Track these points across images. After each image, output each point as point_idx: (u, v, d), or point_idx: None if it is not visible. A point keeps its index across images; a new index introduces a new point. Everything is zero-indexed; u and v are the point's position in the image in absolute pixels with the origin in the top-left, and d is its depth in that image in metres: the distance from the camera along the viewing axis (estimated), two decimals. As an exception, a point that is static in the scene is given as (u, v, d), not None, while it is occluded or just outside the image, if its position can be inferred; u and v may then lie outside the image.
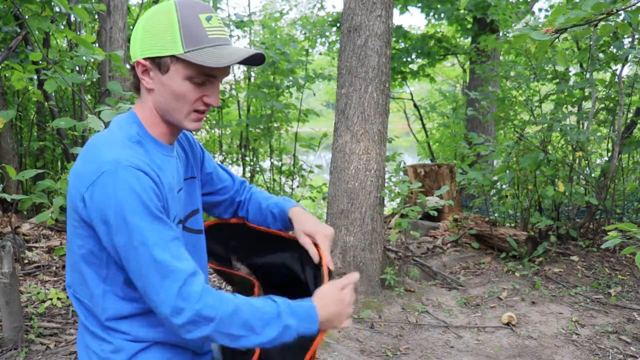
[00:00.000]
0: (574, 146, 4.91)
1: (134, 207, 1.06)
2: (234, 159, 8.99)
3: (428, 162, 11.24)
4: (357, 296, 3.77)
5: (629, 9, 2.13)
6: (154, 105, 1.19)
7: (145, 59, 1.14)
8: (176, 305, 1.06)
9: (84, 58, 3.47)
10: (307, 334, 1.15)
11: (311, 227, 1.37)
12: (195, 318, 1.07)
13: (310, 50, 8.92)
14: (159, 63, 1.13)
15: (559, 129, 4.66)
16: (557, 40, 2.12)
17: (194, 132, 8.53)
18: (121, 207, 1.06)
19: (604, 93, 5.37)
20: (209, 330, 1.08)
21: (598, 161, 6.25)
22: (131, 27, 7.69)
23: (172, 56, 1.12)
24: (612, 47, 5.04)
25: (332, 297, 1.20)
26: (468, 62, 10.75)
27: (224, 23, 1.18)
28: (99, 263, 1.16)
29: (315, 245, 1.35)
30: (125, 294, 1.19)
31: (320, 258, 1.31)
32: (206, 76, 1.15)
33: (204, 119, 1.23)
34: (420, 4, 9.39)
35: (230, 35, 8.59)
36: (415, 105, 12.41)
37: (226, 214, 1.56)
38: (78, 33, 5.53)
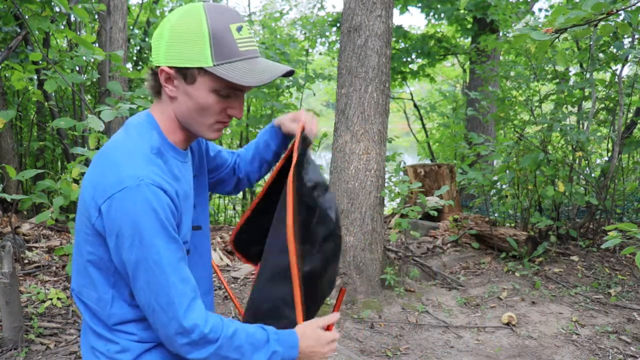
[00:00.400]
0: (574, 146, 4.91)
1: (152, 226, 1.06)
2: (234, 159, 8.99)
3: (428, 162, 11.24)
4: (356, 296, 3.78)
5: (629, 9, 2.13)
6: (174, 113, 1.17)
7: (170, 67, 1.09)
8: (183, 326, 1.09)
9: (84, 58, 3.47)
10: None
11: (293, 114, 1.46)
12: (201, 339, 1.10)
13: (310, 50, 8.92)
14: (185, 73, 1.09)
15: (559, 129, 4.66)
16: (557, 40, 2.12)
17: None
18: (139, 224, 1.05)
19: (604, 93, 5.37)
20: (208, 353, 1.12)
21: (598, 161, 6.25)
22: (131, 27, 7.70)
23: (200, 68, 1.08)
24: (612, 47, 5.04)
25: (312, 335, 1.28)
26: (468, 62, 10.75)
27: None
28: (108, 269, 1.16)
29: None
30: (133, 300, 1.19)
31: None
32: (233, 89, 1.12)
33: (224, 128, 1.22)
34: (420, 4, 9.39)
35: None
36: (415, 105, 12.41)
37: (229, 187, 1.59)
38: (78, 33, 5.53)
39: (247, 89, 1.15)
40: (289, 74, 1.15)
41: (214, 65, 1.07)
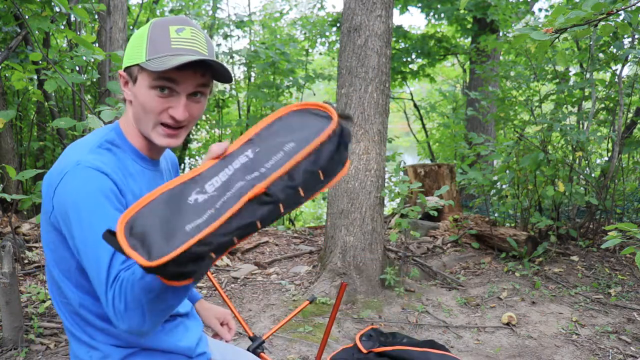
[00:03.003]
0: (574, 146, 4.90)
1: (92, 203, 1.06)
2: (234, 159, 8.98)
3: (428, 162, 11.24)
4: (356, 296, 3.78)
5: (629, 9, 2.13)
6: (132, 116, 1.21)
7: (124, 70, 1.18)
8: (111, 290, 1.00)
9: (84, 58, 3.47)
10: None
11: (220, 312, 1.59)
12: (116, 285, 1.00)
13: (310, 50, 8.92)
14: (130, 73, 1.17)
15: (559, 129, 4.65)
16: (557, 40, 2.12)
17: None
18: (78, 202, 1.06)
19: (604, 93, 5.37)
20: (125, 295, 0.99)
21: (598, 161, 6.25)
22: (131, 27, 7.69)
23: (137, 65, 1.14)
24: (612, 47, 5.03)
25: None
26: (468, 62, 10.75)
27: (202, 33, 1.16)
28: (69, 269, 1.16)
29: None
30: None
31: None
32: (166, 81, 1.11)
33: (178, 135, 1.19)
34: (420, 4, 9.39)
35: (230, 36, 8.58)
36: (415, 105, 12.41)
37: None
38: (78, 33, 5.53)
39: (184, 89, 1.13)
40: (220, 70, 1.13)
41: (146, 61, 1.11)
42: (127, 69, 1.17)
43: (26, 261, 4.05)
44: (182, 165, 8.99)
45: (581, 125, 5.34)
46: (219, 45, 8.99)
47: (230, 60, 8.48)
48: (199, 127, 9.00)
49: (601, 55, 5.22)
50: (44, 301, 3.42)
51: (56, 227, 1.13)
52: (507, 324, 3.48)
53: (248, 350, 1.59)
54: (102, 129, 1.24)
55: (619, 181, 5.64)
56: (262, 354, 1.59)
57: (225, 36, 8.54)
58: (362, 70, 3.84)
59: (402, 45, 10.26)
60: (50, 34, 5.66)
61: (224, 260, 4.64)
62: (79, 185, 1.07)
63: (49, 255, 1.19)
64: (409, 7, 9.56)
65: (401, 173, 5.23)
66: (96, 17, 5.58)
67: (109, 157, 1.15)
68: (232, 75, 1.21)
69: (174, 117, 1.14)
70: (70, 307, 1.20)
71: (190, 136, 8.83)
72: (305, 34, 9.25)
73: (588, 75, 5.09)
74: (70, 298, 1.19)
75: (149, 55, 1.12)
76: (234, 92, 8.52)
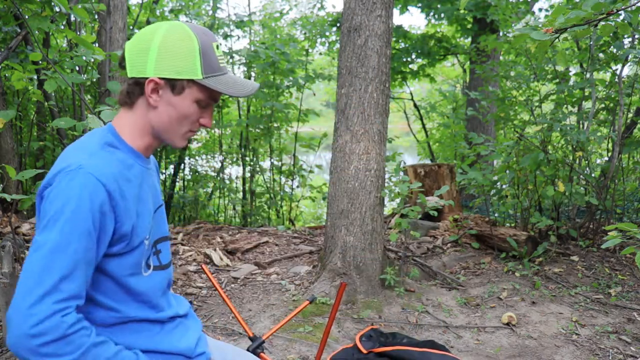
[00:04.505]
0: (574, 146, 4.90)
1: (75, 212, 1.06)
2: (234, 159, 8.99)
3: (428, 162, 11.24)
4: (356, 296, 3.78)
5: (629, 9, 2.13)
6: (149, 121, 1.22)
7: (160, 78, 1.17)
8: (43, 325, 1.01)
9: (84, 58, 3.47)
10: None
11: None
12: (61, 340, 1.02)
13: (310, 50, 8.92)
14: (174, 84, 1.18)
15: (559, 129, 4.65)
16: (557, 40, 2.12)
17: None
18: (63, 205, 1.06)
19: (604, 93, 5.37)
20: (71, 358, 1.03)
21: (598, 161, 6.25)
22: (131, 27, 7.69)
23: (190, 80, 1.18)
24: (612, 47, 5.03)
25: None
26: (468, 62, 10.75)
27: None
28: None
29: None
30: (103, 303, 1.19)
31: None
32: (212, 101, 1.23)
33: None
34: (420, 4, 9.39)
35: (230, 36, 8.59)
36: (415, 105, 12.41)
37: None
38: (78, 33, 5.53)
39: (217, 101, 1.26)
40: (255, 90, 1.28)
41: (203, 78, 1.18)
42: (167, 79, 1.17)
43: (26, 261, 4.04)
44: (183, 165, 8.99)
45: (581, 125, 5.34)
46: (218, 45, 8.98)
47: (230, 60, 8.48)
48: (199, 127, 8.99)
49: (601, 55, 5.22)
50: (44, 301, 3.42)
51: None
52: (507, 324, 3.48)
53: (248, 350, 1.59)
54: (97, 132, 1.24)
55: (619, 181, 5.64)
56: (262, 354, 1.59)
57: (225, 36, 8.54)
58: (362, 70, 3.84)
59: (402, 45, 10.27)
60: (50, 34, 5.66)
61: (224, 260, 4.64)
62: (74, 188, 1.07)
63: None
64: (409, 7, 9.56)
65: (401, 173, 5.23)
66: (96, 17, 5.58)
67: (110, 160, 1.16)
68: None
69: (206, 125, 1.25)
70: None
71: (190, 136, 8.82)
72: (305, 34, 9.25)
73: (588, 75, 5.09)
74: None
75: (205, 72, 1.18)
76: (233, 92, 8.51)
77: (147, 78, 1.18)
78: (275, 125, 8.30)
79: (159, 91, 1.19)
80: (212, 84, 1.18)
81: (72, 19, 5.69)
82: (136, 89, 1.21)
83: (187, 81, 1.18)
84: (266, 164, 8.86)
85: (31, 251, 1.06)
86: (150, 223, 1.26)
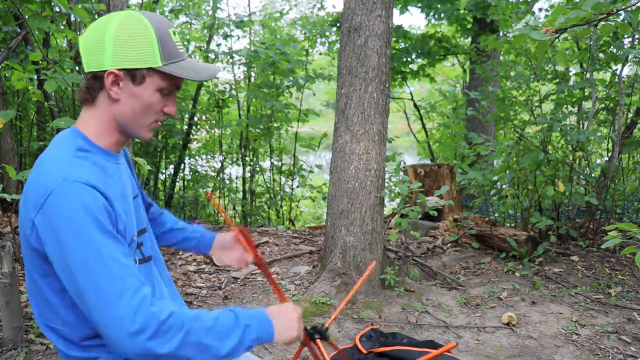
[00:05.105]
0: (574, 146, 4.90)
1: (87, 223, 1.04)
2: (234, 159, 8.99)
3: (428, 162, 11.24)
4: (356, 296, 3.78)
5: (629, 9, 2.13)
6: (113, 115, 1.19)
7: (119, 69, 1.14)
8: (137, 320, 1.02)
9: (84, 58, 3.46)
10: (263, 339, 1.17)
11: (227, 238, 1.61)
12: (162, 329, 1.04)
13: (310, 50, 8.92)
14: (134, 74, 1.15)
15: (559, 129, 4.65)
16: (557, 40, 2.12)
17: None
18: (73, 224, 1.03)
19: (604, 93, 5.37)
20: (177, 342, 1.05)
21: (598, 161, 6.25)
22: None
23: (150, 68, 1.15)
24: (612, 47, 5.03)
25: (281, 311, 1.22)
26: (468, 62, 10.75)
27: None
28: (63, 290, 1.13)
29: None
30: None
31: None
32: (174, 88, 1.21)
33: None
34: (420, 4, 9.39)
35: (230, 36, 8.59)
36: (415, 105, 12.41)
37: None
38: (78, 33, 5.53)
39: (180, 88, 1.25)
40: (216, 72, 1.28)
41: (164, 65, 1.16)
42: (127, 69, 1.14)
43: (26, 261, 4.04)
44: (183, 165, 8.99)
45: (581, 125, 5.33)
46: (218, 45, 8.99)
47: (230, 60, 8.48)
48: (199, 127, 9.00)
49: (601, 55, 5.22)
50: (44, 301, 3.42)
51: (37, 250, 1.10)
52: (507, 324, 3.48)
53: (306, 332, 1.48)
54: (63, 139, 1.19)
55: (619, 181, 5.64)
56: (317, 339, 1.48)
57: (225, 36, 8.53)
58: (362, 70, 3.84)
59: (402, 45, 10.26)
60: (50, 34, 5.66)
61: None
62: (71, 201, 1.04)
63: (37, 276, 1.15)
64: (409, 7, 9.55)
65: (401, 173, 5.23)
66: (96, 17, 5.57)
67: (88, 165, 1.13)
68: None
69: (170, 113, 1.22)
70: (64, 326, 1.18)
71: (190, 136, 8.84)
72: (305, 34, 9.24)
73: (588, 75, 5.09)
74: (64, 317, 1.16)
75: (164, 59, 1.16)
76: (233, 92, 8.52)
77: (105, 71, 1.14)
78: (275, 125, 8.30)
79: (119, 83, 1.15)
80: (173, 70, 1.16)
81: (72, 19, 5.69)
82: (95, 83, 1.17)
83: (147, 70, 1.15)
84: (266, 164, 8.86)
85: (73, 274, 1.04)
86: (134, 218, 1.25)
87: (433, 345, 2.04)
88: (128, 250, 1.11)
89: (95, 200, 1.07)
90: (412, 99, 12.40)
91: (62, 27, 5.08)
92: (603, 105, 5.42)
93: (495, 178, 5.12)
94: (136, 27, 1.14)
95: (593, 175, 5.33)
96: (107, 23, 1.15)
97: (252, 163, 8.60)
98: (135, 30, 1.14)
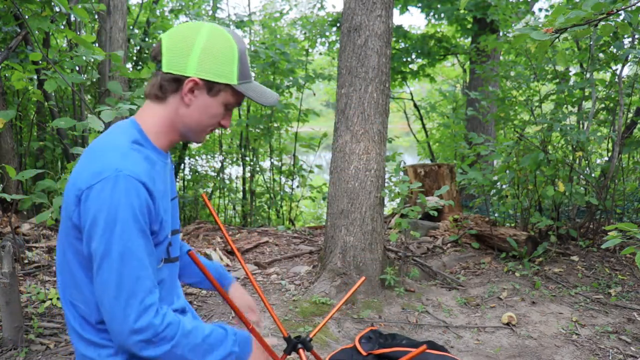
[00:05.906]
0: (574, 146, 4.90)
1: (126, 217, 1.11)
2: (234, 159, 8.99)
3: (428, 162, 11.24)
4: (356, 296, 3.78)
5: (629, 9, 2.13)
6: (179, 118, 1.25)
7: (200, 79, 1.21)
8: (138, 322, 1.11)
9: (84, 58, 3.47)
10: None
11: (250, 300, 1.77)
12: (155, 337, 1.13)
13: (310, 50, 8.91)
14: (211, 86, 1.22)
15: (559, 129, 4.65)
16: (557, 40, 2.12)
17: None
18: (113, 214, 1.10)
19: (604, 93, 5.37)
20: (162, 351, 1.15)
21: (598, 161, 6.25)
22: (131, 27, 7.69)
23: (227, 84, 1.23)
24: (612, 47, 5.03)
25: (259, 350, 1.37)
26: (468, 62, 10.75)
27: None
28: (90, 268, 1.18)
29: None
30: None
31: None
32: (237, 105, 1.30)
33: None
34: (420, 4, 9.39)
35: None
36: (415, 105, 12.41)
37: None
38: (78, 33, 5.53)
39: (240, 105, 1.36)
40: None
41: (239, 84, 1.24)
42: (207, 80, 1.21)
43: (26, 261, 4.05)
44: (183, 165, 8.99)
45: (581, 125, 5.33)
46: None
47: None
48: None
49: (601, 55, 5.22)
50: (43, 301, 3.42)
51: (76, 225, 1.16)
52: (507, 324, 3.48)
53: (287, 344, 1.60)
54: (124, 128, 1.25)
55: (619, 181, 5.64)
56: (300, 349, 1.57)
57: (225, 36, 8.51)
58: (362, 70, 3.84)
59: (402, 45, 10.26)
60: (50, 34, 5.66)
61: (224, 260, 4.64)
62: (119, 193, 1.10)
63: (68, 250, 1.21)
64: (409, 7, 9.55)
65: (401, 173, 5.23)
66: (96, 17, 5.58)
67: (141, 159, 1.19)
68: None
69: (225, 126, 1.31)
70: (84, 303, 1.22)
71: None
72: (305, 34, 9.24)
73: (588, 75, 5.09)
74: (87, 294, 1.21)
75: (240, 78, 1.24)
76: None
77: (186, 77, 1.20)
78: (275, 125, 8.30)
79: (195, 91, 1.22)
80: (246, 91, 1.24)
81: (72, 19, 5.70)
82: (172, 85, 1.22)
83: (224, 85, 1.22)
84: (266, 164, 8.85)
85: (98, 261, 1.12)
86: (170, 219, 1.30)
87: (432, 345, 2.04)
88: (153, 250, 1.19)
89: (140, 196, 1.13)
90: (412, 99, 12.40)
91: (62, 27, 5.08)
92: (603, 105, 5.42)
93: (495, 178, 5.12)
94: (223, 44, 1.22)
95: (593, 175, 5.33)
96: (196, 32, 1.22)
97: (252, 163, 8.60)
98: (222, 47, 1.21)
